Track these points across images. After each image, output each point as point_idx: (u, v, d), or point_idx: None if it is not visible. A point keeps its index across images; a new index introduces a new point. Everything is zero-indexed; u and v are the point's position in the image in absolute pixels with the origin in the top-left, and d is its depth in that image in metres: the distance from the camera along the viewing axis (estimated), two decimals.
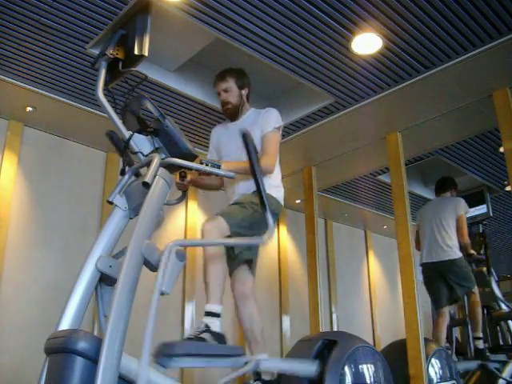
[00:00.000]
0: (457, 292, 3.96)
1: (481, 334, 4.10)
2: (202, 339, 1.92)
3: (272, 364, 2.20)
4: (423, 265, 4.11)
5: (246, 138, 1.62)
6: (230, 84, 2.51)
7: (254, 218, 2.24)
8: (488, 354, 4.09)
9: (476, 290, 4.07)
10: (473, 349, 4.12)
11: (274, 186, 2.45)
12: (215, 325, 2.01)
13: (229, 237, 2.18)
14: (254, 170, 1.64)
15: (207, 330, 1.97)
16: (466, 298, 4.17)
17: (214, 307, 2.07)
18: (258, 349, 2.28)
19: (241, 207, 2.27)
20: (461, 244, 4.01)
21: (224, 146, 2.58)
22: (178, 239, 1.56)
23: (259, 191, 1.66)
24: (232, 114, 2.55)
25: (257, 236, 2.30)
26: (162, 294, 1.44)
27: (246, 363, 1.93)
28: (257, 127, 2.44)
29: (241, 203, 2.30)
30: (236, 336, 4.42)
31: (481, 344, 4.06)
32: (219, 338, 1.98)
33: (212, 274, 2.13)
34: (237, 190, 2.45)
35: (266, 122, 2.45)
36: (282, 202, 2.49)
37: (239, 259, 2.36)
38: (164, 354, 1.69)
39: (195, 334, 1.96)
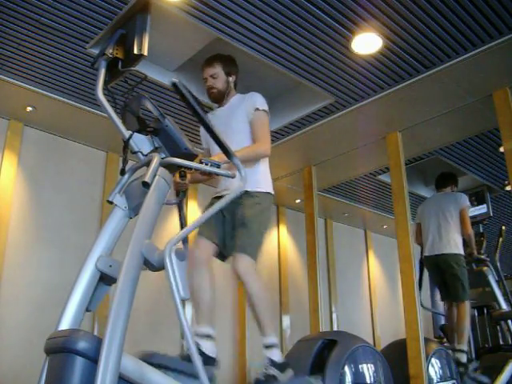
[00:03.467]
0: (450, 292, 3.88)
1: (465, 347, 3.72)
2: (270, 376, 2.01)
3: None
4: (425, 258, 4.09)
5: (177, 86, 1.57)
6: (218, 70, 2.49)
7: (259, 226, 2.29)
8: (470, 371, 3.67)
9: (468, 302, 3.84)
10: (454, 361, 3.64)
11: (262, 172, 2.42)
12: (275, 355, 2.10)
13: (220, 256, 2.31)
14: (199, 113, 1.61)
15: (271, 363, 2.06)
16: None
17: (271, 340, 2.14)
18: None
19: (248, 230, 2.25)
20: (464, 238, 4.00)
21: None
22: (172, 239, 1.53)
23: (215, 138, 1.67)
24: (216, 97, 2.54)
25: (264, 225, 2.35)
26: (183, 300, 1.44)
27: None
28: (242, 111, 2.44)
29: (246, 225, 2.26)
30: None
31: (464, 357, 3.67)
32: (281, 366, 2.08)
33: (266, 305, 2.18)
34: (227, 191, 2.40)
35: (251, 106, 2.43)
36: (273, 191, 2.45)
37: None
38: None
39: (263, 373, 2.03)
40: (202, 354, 1.99)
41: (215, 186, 2.60)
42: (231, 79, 2.54)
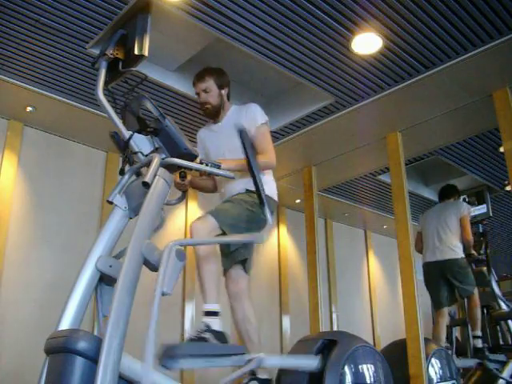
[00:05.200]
0: (459, 290, 4.02)
1: (479, 333, 4.11)
2: (204, 339, 1.92)
3: (274, 361, 2.18)
4: (426, 264, 4.15)
5: (242, 135, 1.61)
6: (210, 84, 2.45)
7: (247, 215, 2.24)
8: (487, 353, 4.08)
9: (476, 291, 4.10)
10: (472, 348, 4.12)
11: (267, 182, 2.39)
12: (215, 323, 2.02)
13: (222, 234, 2.17)
14: (252, 166, 1.63)
15: (208, 329, 1.98)
16: (465, 299, 4.20)
17: (212, 306, 2.08)
18: (254, 349, 2.23)
19: (232, 204, 2.27)
20: (464, 243, 4.07)
21: (211, 148, 2.54)
22: (177, 239, 1.56)
23: (257, 188, 1.66)
24: (211, 113, 2.50)
25: (254, 233, 2.32)
26: (164, 294, 1.43)
27: (248, 361, 1.92)
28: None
29: (231, 201, 2.30)
30: (235, 336, 4.42)
31: (479, 343, 4.07)
32: (220, 336, 1.99)
33: (207, 274, 2.13)
34: (230, 189, 2.42)
35: (251, 119, 2.40)
36: (276, 197, 2.46)
37: (234, 258, 2.36)
38: (167, 356, 1.69)
39: (197, 335, 1.96)
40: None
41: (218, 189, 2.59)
42: (224, 92, 2.50)
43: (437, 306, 4.10)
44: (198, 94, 2.49)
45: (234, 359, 1.93)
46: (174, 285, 1.46)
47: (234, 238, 2.16)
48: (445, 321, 4.05)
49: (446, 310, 4.06)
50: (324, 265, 5.63)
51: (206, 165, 1.83)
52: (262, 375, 2.17)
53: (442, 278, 4.02)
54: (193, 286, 4.37)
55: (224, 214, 2.20)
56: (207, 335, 1.94)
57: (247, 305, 2.32)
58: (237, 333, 2.39)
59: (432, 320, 6.49)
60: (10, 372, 3.28)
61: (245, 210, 2.25)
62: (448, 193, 4.36)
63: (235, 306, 2.33)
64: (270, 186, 2.43)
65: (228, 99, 2.56)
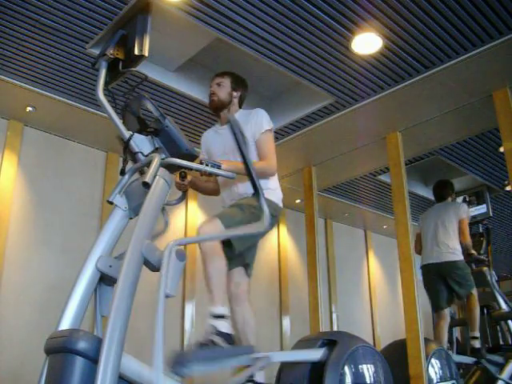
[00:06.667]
0: (457, 293, 3.98)
1: (478, 334, 4.05)
2: (213, 342, 1.92)
3: (280, 357, 2.24)
4: (424, 266, 4.13)
5: (232, 125, 1.60)
6: (225, 80, 2.51)
7: (252, 219, 2.21)
8: (484, 352, 4.05)
9: (475, 291, 4.07)
10: (469, 348, 4.07)
11: (272, 188, 2.42)
12: (223, 326, 2.01)
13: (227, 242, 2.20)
14: (243, 155, 1.62)
15: (216, 332, 1.97)
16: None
17: (219, 309, 2.06)
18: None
19: (239, 209, 2.25)
20: (462, 245, 4.04)
21: (214, 150, 2.55)
22: (177, 238, 1.56)
23: (250, 176, 1.65)
24: (216, 106, 2.51)
25: (255, 239, 2.32)
26: (167, 296, 1.44)
27: (256, 360, 1.92)
28: (247, 131, 2.39)
29: (239, 205, 2.29)
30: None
31: (477, 343, 4.03)
32: (228, 338, 1.99)
33: (214, 274, 2.12)
34: (235, 191, 2.42)
35: (257, 125, 2.42)
36: (281, 204, 2.46)
37: (237, 262, 2.36)
38: (178, 363, 1.67)
39: (205, 338, 1.95)
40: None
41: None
42: (235, 94, 2.53)
43: (437, 308, 4.08)
44: (211, 86, 2.53)
45: (242, 359, 1.93)
46: (176, 286, 1.46)
47: (233, 232, 2.13)
48: (446, 322, 4.01)
49: (446, 312, 4.03)
50: (324, 265, 5.63)
51: (207, 165, 1.83)
52: (259, 379, 2.15)
53: (440, 280, 3.99)
54: (193, 286, 4.37)
55: (229, 219, 2.18)
56: (216, 338, 1.93)
57: (247, 307, 2.33)
58: (234, 333, 2.38)
59: (432, 320, 6.51)
60: (10, 372, 3.28)
61: (250, 215, 2.23)
62: (444, 193, 4.30)
63: (235, 308, 2.33)
64: (275, 192, 2.44)
65: (240, 106, 2.58)
